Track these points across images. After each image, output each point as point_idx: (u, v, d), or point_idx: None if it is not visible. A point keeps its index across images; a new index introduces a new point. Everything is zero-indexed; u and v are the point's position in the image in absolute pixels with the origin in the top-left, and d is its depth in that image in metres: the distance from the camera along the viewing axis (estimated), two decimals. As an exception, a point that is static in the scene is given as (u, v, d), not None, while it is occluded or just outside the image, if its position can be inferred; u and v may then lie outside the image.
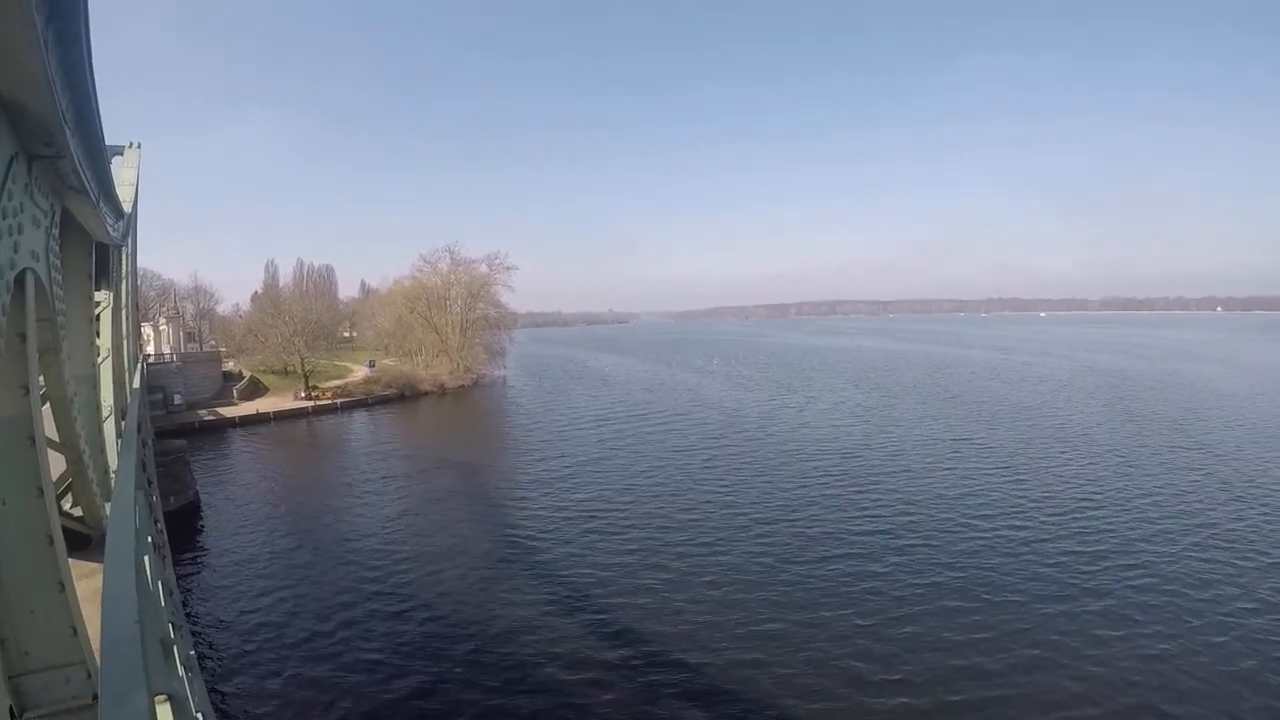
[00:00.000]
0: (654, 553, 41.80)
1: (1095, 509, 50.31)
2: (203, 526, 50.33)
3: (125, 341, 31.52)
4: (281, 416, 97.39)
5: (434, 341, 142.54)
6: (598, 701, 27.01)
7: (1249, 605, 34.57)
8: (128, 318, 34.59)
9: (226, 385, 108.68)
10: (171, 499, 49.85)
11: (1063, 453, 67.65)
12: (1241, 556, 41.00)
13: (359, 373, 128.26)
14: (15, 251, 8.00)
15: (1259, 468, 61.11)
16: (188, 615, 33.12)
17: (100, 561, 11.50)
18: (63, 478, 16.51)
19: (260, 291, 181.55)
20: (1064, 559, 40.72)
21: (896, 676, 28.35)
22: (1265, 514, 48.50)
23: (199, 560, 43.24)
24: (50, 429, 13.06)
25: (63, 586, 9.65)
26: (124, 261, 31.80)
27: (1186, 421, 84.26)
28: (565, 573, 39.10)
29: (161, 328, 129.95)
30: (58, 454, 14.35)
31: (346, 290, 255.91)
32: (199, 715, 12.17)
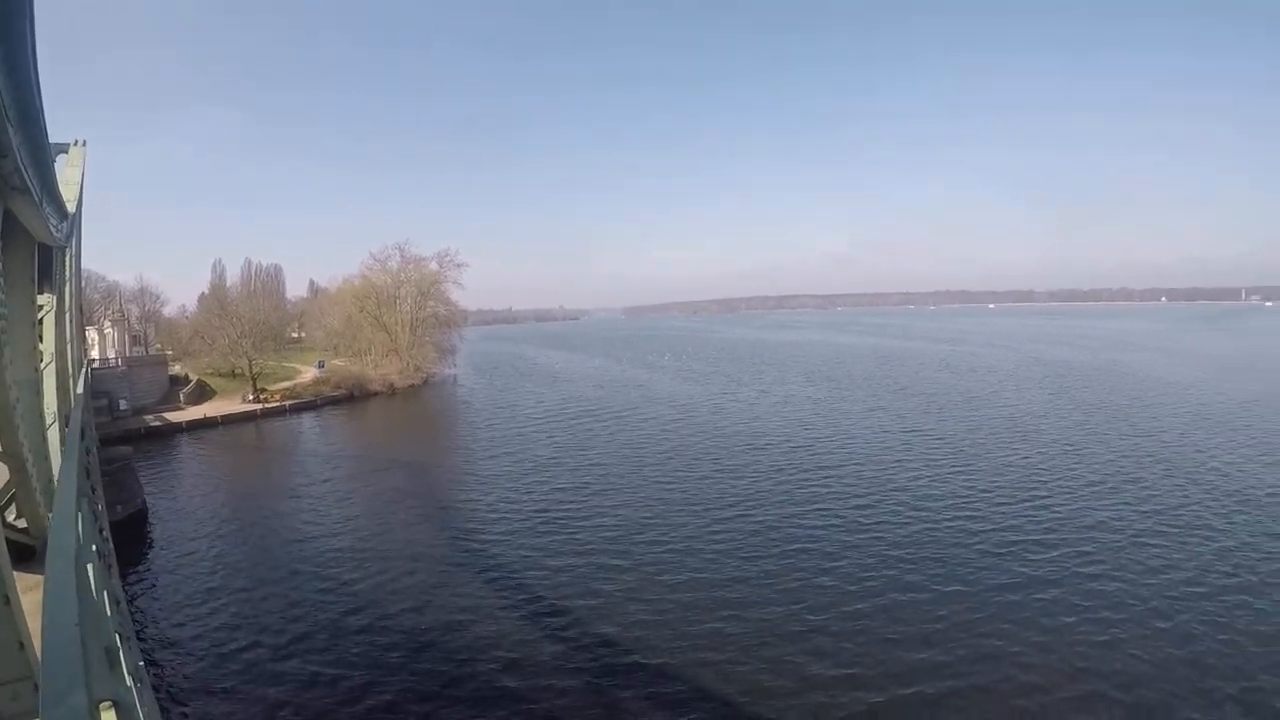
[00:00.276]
0: (606, 551, 41.85)
1: (1043, 497, 51.37)
2: (151, 536, 49.31)
3: (69, 346, 31.16)
4: (229, 420, 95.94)
5: (384, 341, 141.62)
6: (551, 703, 26.98)
7: (1197, 589, 35.51)
8: (72, 321, 34.21)
9: (173, 389, 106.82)
10: (118, 508, 48.73)
11: (1011, 442, 69.41)
12: (1187, 540, 42.18)
13: (308, 374, 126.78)
14: None
15: (1201, 453, 63.37)
16: (137, 626, 32.35)
17: None
18: (6, 487, 16.18)
19: (207, 292, 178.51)
20: (1013, 547, 41.46)
21: (851, 670, 28.53)
22: (1209, 499, 50.19)
23: (148, 570, 42.46)
24: None
25: (8, 600, 9.42)
26: (68, 263, 31.47)
27: (1130, 409, 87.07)
28: (517, 573, 39.07)
29: (106, 331, 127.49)
30: (0, 463, 14.40)
31: (295, 290, 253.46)
32: None
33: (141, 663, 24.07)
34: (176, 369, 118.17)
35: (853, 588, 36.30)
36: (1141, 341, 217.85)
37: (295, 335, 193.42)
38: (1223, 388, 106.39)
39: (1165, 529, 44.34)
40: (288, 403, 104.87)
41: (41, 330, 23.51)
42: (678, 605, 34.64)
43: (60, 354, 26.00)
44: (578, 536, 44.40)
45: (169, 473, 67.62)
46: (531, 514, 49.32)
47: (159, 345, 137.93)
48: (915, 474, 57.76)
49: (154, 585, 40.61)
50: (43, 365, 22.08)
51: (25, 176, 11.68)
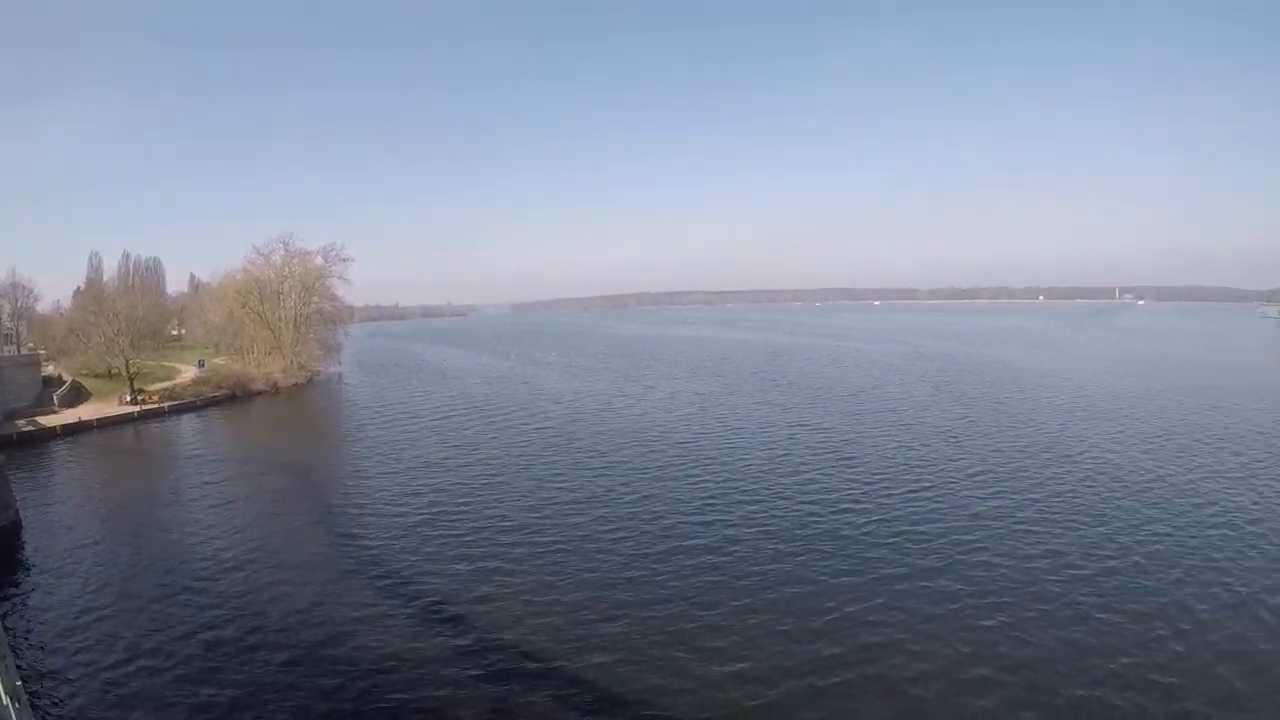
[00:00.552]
0: (496, 553, 42.04)
1: (929, 487, 53.56)
2: (25, 548, 46.78)
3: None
4: (106, 424, 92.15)
5: (267, 338, 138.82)
6: (444, 713, 26.80)
7: (1078, 572, 37.42)
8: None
9: (46, 391, 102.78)
10: (-11, 521, 46.59)
11: (896, 434, 73.13)
12: (1067, 525, 44.58)
13: (188, 373, 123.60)
14: None
15: (1078, 442, 68.34)
16: (14, 645, 31.84)
17: None
18: None
19: (83, 287, 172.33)
20: (900, 537, 42.83)
21: (744, 665, 28.73)
22: (1086, 485, 53.75)
23: (23, 586, 40.66)
24: None
25: None
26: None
27: (1010, 401, 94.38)
28: (407, 579, 38.96)
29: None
30: None
31: (175, 285, 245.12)
32: None
33: (19, 682, 23.80)
34: (50, 369, 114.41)
35: (743, 582, 36.83)
36: (1020, 337, 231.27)
37: (175, 333, 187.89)
38: (1096, 380, 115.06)
39: (1046, 515, 46.75)
40: (167, 404, 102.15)
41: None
42: (569, 606, 34.62)
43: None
44: (468, 539, 44.55)
45: (43, 481, 64.84)
46: (420, 516, 49.20)
47: (32, 344, 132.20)
48: (802, 467, 59.91)
49: (30, 602, 38.78)
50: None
51: None
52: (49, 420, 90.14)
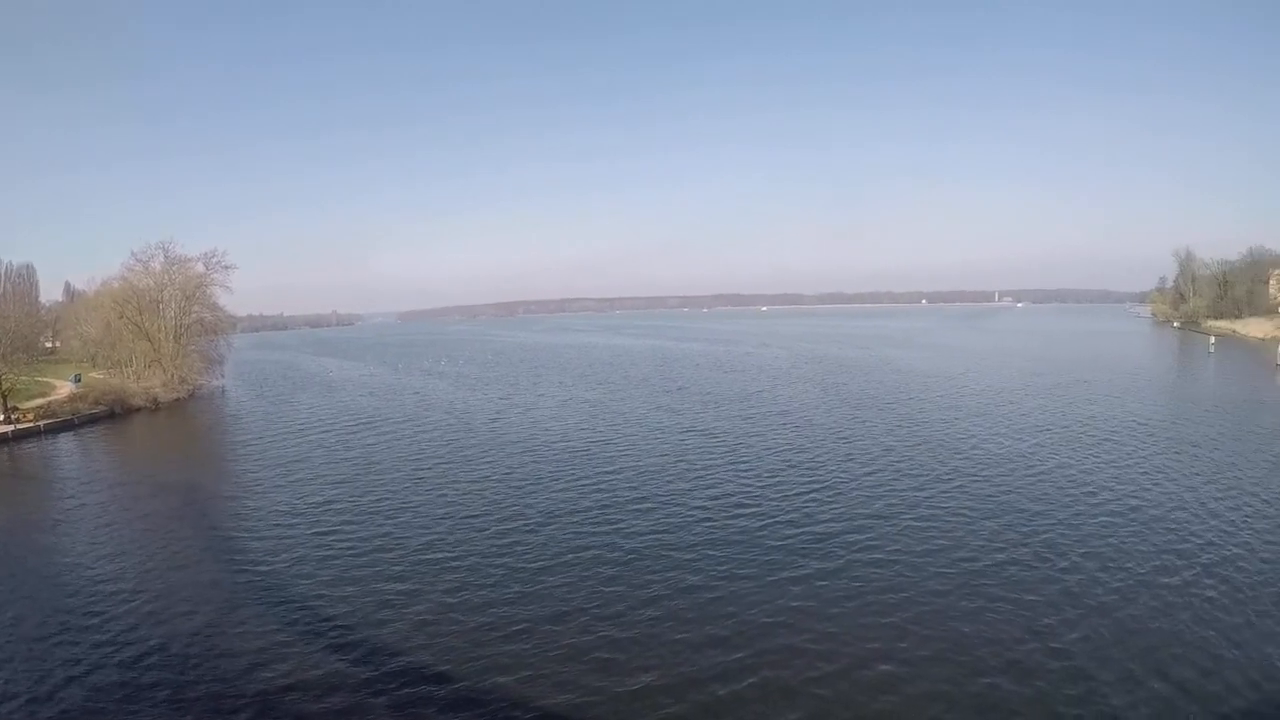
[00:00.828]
0: (387, 571, 41.29)
1: (821, 488, 54.87)
2: None
3: None
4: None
5: (146, 350, 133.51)
6: None
7: (970, 565, 38.98)
8: None
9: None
10: None
11: (787, 437, 74.84)
12: (954, 520, 46.45)
13: (64, 389, 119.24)
14: None
15: (964, 438, 71.34)
16: None
17: None
18: None
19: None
20: (794, 539, 43.71)
21: (646, 677, 28.66)
22: (976, 481, 55.80)
23: None
24: None
25: None
26: None
27: (897, 401, 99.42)
28: (298, 601, 37.94)
29: None
30: None
31: (50, 293, 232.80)
32: None
33: None
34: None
35: (642, 591, 37.06)
36: (904, 338, 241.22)
37: (50, 345, 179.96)
38: (980, 377, 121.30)
39: (938, 509, 48.71)
40: (42, 422, 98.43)
41: None
42: (469, 625, 34.22)
43: None
44: (360, 558, 43.87)
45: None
46: (311, 536, 48.17)
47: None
48: (695, 472, 61.09)
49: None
50: None
51: None
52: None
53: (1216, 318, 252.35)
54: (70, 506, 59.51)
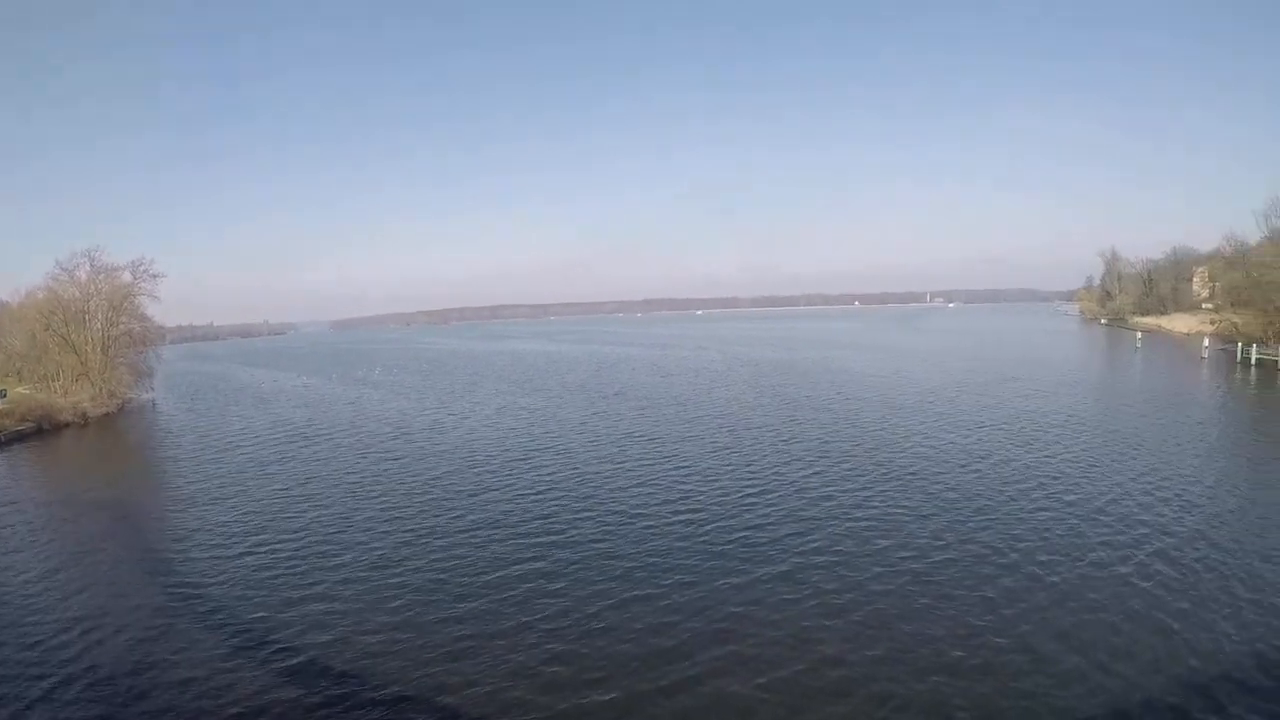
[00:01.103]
0: (326, 589, 40.87)
1: (762, 491, 55.15)
2: None
3: None
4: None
5: (73, 363, 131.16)
6: None
7: (908, 556, 39.89)
8: None
9: None
10: None
11: (725, 440, 75.48)
12: (896, 519, 46.74)
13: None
14: None
15: (902, 438, 72.59)
16: None
17: None
18: None
19: None
20: (736, 544, 43.63)
21: (593, 693, 28.67)
22: (912, 478, 57.04)
23: None
24: None
25: None
26: None
27: (833, 401, 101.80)
28: (236, 622, 37.22)
29: None
30: None
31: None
32: None
33: None
34: None
35: (587, 604, 36.43)
36: (838, 339, 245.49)
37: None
38: (913, 378, 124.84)
39: (880, 510, 49.14)
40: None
41: None
42: (412, 645, 33.20)
43: None
44: (297, 576, 43.38)
45: None
46: (247, 554, 47.51)
47: None
48: (635, 478, 61.35)
49: None
50: None
51: None
52: None
53: (1143, 314, 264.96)
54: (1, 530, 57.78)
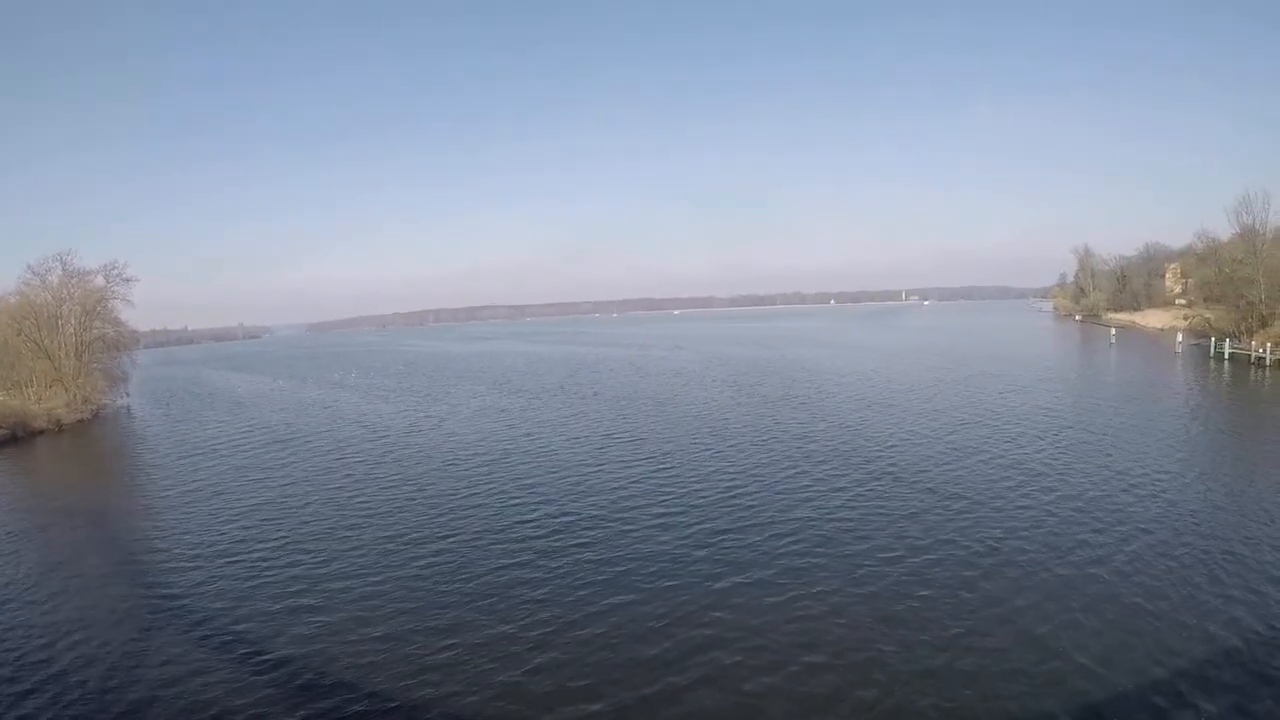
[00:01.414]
0: (306, 591, 40.72)
1: (742, 488, 55.64)
2: None
3: None
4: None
5: (47, 369, 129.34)
6: None
7: (893, 557, 39.80)
8: None
9: None
10: None
11: (704, 439, 75.72)
12: (875, 514, 47.61)
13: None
14: None
15: (881, 434, 73.20)
16: None
17: None
18: None
19: None
20: (718, 540, 44.04)
21: (583, 698, 27.41)
22: (890, 474, 57.58)
23: None
24: None
25: None
26: None
27: (810, 399, 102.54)
28: (218, 625, 36.96)
29: None
30: None
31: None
32: None
33: None
34: None
35: (569, 599, 36.87)
36: (815, 338, 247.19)
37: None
38: (891, 375, 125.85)
39: (859, 505, 49.66)
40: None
41: None
42: (392, 643, 33.66)
43: None
44: (278, 578, 43.28)
45: None
46: (226, 558, 47.23)
47: None
48: (614, 481, 61.04)
49: None
50: None
51: None
52: None
53: (1116, 310, 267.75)
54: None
